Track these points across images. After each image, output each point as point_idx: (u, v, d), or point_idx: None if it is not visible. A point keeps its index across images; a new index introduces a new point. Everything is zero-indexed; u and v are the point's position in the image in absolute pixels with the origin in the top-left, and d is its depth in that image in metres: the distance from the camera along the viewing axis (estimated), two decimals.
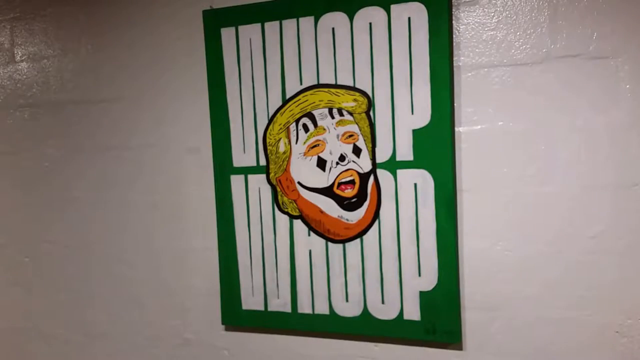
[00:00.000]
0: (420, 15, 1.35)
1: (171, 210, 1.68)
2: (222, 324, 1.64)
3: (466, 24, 1.35)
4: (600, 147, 1.26)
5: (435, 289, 1.39)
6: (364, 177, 1.42)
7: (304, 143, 1.47)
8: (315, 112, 1.45)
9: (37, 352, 1.94)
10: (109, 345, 1.82)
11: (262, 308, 1.58)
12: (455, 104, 1.35)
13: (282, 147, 1.50)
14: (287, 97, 1.49)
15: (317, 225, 1.49)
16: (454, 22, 1.35)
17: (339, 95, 1.43)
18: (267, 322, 1.58)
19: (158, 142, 1.68)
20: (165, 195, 1.69)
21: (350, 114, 1.42)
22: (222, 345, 1.66)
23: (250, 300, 1.59)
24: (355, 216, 1.45)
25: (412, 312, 1.42)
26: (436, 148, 1.35)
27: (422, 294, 1.40)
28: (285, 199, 1.52)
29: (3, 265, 1.96)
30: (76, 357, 1.88)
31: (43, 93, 1.82)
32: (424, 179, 1.37)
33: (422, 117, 1.36)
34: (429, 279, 1.39)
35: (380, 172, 1.41)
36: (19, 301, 1.95)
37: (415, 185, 1.38)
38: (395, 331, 1.44)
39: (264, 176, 1.53)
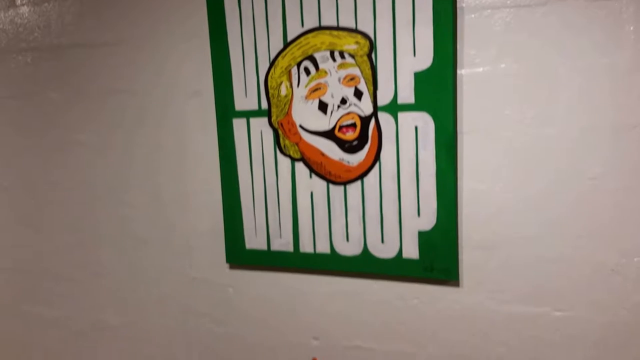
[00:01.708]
0: None
1: (174, 153, 1.71)
2: (227, 262, 1.70)
3: None
4: (602, 90, 1.26)
5: (434, 228, 1.42)
6: (365, 120, 1.43)
7: (306, 86, 1.48)
8: (317, 55, 1.44)
9: (45, 290, 2.02)
10: (115, 284, 1.89)
11: (265, 247, 1.63)
12: (457, 46, 1.35)
13: (283, 91, 1.50)
14: (289, 39, 1.48)
15: (318, 168, 1.52)
16: None
17: (340, 38, 1.42)
18: (270, 260, 1.63)
19: (160, 86, 1.69)
20: (168, 139, 1.71)
21: (352, 56, 1.41)
22: (226, 282, 1.72)
23: (254, 240, 1.64)
24: (356, 159, 1.47)
25: (411, 251, 1.46)
26: (438, 90, 1.35)
27: (420, 233, 1.44)
28: (287, 142, 1.53)
29: (9, 207, 2.00)
30: (83, 295, 1.95)
31: (45, 37, 1.81)
32: (424, 122, 1.38)
33: (424, 59, 1.35)
34: (428, 219, 1.43)
35: (382, 115, 1.42)
36: (26, 241, 2.00)
37: (416, 128, 1.39)
38: (394, 269, 1.49)
39: (265, 119, 1.54)
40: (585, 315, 1.35)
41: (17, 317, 2.09)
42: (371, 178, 1.47)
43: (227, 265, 1.72)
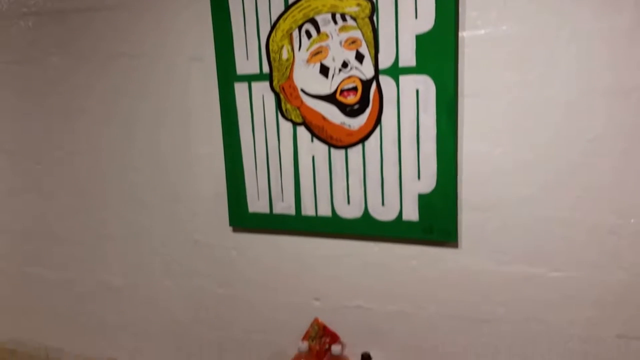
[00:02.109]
0: None
1: (177, 118, 1.72)
2: (230, 225, 1.72)
3: None
4: (601, 53, 1.26)
5: (434, 191, 1.44)
6: (366, 84, 1.44)
7: (307, 50, 1.48)
8: (318, 18, 1.44)
9: (52, 254, 2.06)
10: (120, 247, 1.93)
11: (267, 211, 1.65)
12: (459, 8, 1.34)
13: (285, 54, 1.50)
14: (290, 2, 1.47)
15: (320, 132, 1.53)
16: None
17: (342, 0, 1.41)
18: (272, 224, 1.66)
19: (161, 50, 1.69)
20: (170, 104, 1.72)
21: (354, 19, 1.41)
22: (230, 245, 1.75)
23: (256, 204, 1.66)
24: (357, 122, 1.48)
25: (411, 214, 1.48)
26: (439, 53, 1.35)
27: (420, 196, 1.46)
28: (288, 106, 1.54)
29: (15, 171, 2.03)
30: (90, 258, 1.99)
31: (46, 1, 1.80)
32: (426, 85, 1.38)
33: (426, 21, 1.35)
34: (428, 182, 1.44)
35: (383, 79, 1.42)
36: (32, 205, 2.04)
37: (417, 91, 1.40)
38: (394, 231, 1.51)
39: (267, 83, 1.55)
40: (582, 276, 1.38)
41: (22, 279, 2.14)
42: (372, 142, 1.48)
43: (230, 229, 1.74)
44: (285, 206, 1.63)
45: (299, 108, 1.53)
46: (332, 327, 1.66)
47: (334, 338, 1.67)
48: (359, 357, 1.60)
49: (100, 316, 2.03)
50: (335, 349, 1.62)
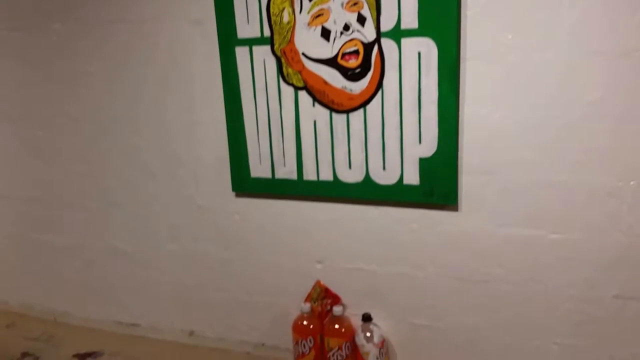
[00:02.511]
0: None
1: (178, 82, 1.72)
2: (233, 191, 1.74)
3: None
4: (603, 14, 1.25)
5: (435, 155, 1.45)
6: (368, 47, 1.43)
7: (308, 12, 1.46)
8: None
9: (58, 220, 2.08)
10: (126, 212, 1.95)
11: (269, 176, 1.66)
12: None
13: (286, 17, 1.49)
14: None
15: (321, 96, 1.53)
16: None
17: None
18: (274, 188, 1.67)
19: (161, 14, 1.67)
20: (171, 69, 1.71)
21: None
22: (233, 210, 1.78)
23: (258, 169, 1.67)
24: (359, 86, 1.48)
25: (412, 177, 1.49)
26: (441, 15, 1.34)
27: (421, 160, 1.47)
28: (290, 70, 1.54)
29: (20, 139, 2.04)
30: (96, 223, 2.02)
31: None
32: (428, 47, 1.38)
33: None
34: (429, 146, 1.45)
35: (385, 42, 1.41)
36: (38, 172, 2.05)
37: (419, 53, 1.39)
38: (395, 195, 1.53)
39: (268, 47, 1.54)
40: (580, 238, 1.39)
41: (30, 245, 2.17)
42: (374, 106, 1.48)
43: (233, 194, 1.76)
44: (287, 171, 1.64)
45: (300, 72, 1.53)
46: (334, 289, 1.70)
47: (336, 299, 1.70)
48: (360, 318, 1.64)
49: (107, 280, 2.07)
50: (337, 310, 1.65)
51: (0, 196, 2.16)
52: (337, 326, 1.66)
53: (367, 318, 1.63)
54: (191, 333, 1.98)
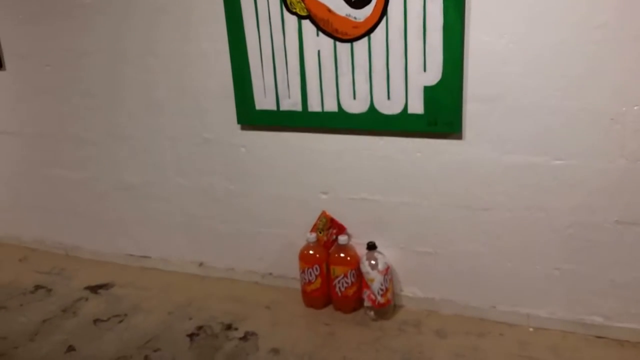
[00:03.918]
0: None
1: (180, 13, 1.69)
2: (238, 123, 1.75)
3: None
4: None
5: (439, 83, 1.44)
6: None
7: None
8: None
9: (68, 155, 2.11)
10: (133, 146, 1.97)
11: (274, 108, 1.67)
12: None
13: None
14: None
15: (325, 25, 1.51)
16: None
17: None
18: (279, 120, 1.68)
19: None
20: (172, 2, 1.69)
21: None
22: (239, 142, 1.79)
23: (263, 101, 1.67)
24: (363, 14, 1.46)
25: (416, 106, 1.49)
26: None
27: (426, 88, 1.46)
28: None
29: (28, 75, 2.04)
30: (105, 157, 2.04)
31: None
32: None
33: None
34: (434, 74, 1.44)
35: None
36: (46, 107, 2.06)
37: None
38: (399, 124, 1.53)
39: None
40: (583, 164, 1.40)
41: (40, 181, 2.21)
42: (378, 34, 1.47)
43: (238, 127, 1.77)
44: (291, 103, 1.64)
45: (303, 0, 1.50)
46: (339, 218, 1.73)
47: (341, 229, 1.74)
48: (365, 246, 1.68)
49: (117, 214, 2.11)
50: (342, 239, 1.69)
51: (10, 132, 2.18)
52: (342, 254, 1.70)
53: (371, 246, 1.67)
54: (200, 264, 2.04)
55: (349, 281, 1.69)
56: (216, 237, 1.96)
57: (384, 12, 1.44)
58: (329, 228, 1.74)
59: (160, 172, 1.95)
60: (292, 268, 1.81)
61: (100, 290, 1.99)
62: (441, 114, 1.47)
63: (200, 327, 1.71)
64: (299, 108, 1.64)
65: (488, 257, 1.59)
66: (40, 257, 2.28)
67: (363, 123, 1.58)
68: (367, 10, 1.45)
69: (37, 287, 2.03)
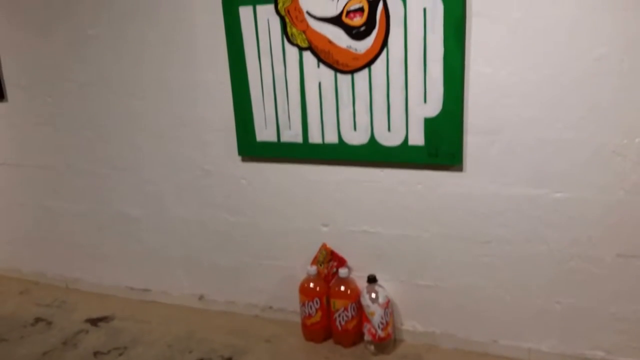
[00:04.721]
0: None
1: (182, 44, 1.71)
2: (239, 155, 1.75)
3: None
4: None
5: (440, 114, 1.44)
6: (372, 4, 1.42)
7: None
8: None
9: (69, 186, 2.11)
10: (134, 178, 1.97)
11: (275, 139, 1.67)
12: None
13: None
14: None
15: (326, 57, 1.52)
16: None
17: None
18: (280, 152, 1.68)
19: None
20: (175, 30, 1.71)
21: None
22: (239, 174, 1.79)
23: (264, 132, 1.68)
24: (363, 45, 1.47)
25: (417, 138, 1.49)
26: None
27: (426, 120, 1.46)
28: (294, 30, 1.53)
29: (29, 106, 2.06)
30: (106, 189, 2.04)
31: None
32: (433, 3, 1.36)
33: None
34: (434, 105, 1.44)
35: None
36: (47, 139, 2.07)
37: (425, 9, 1.38)
38: (400, 156, 1.53)
39: (272, 6, 1.53)
40: (584, 196, 1.39)
41: (42, 213, 2.20)
42: (378, 65, 1.48)
43: (239, 158, 1.77)
44: (292, 134, 1.64)
45: (304, 32, 1.52)
46: (340, 251, 1.71)
47: (341, 262, 1.71)
48: (365, 279, 1.65)
49: (118, 246, 2.10)
50: (343, 272, 1.67)
51: (10, 164, 2.18)
52: (342, 288, 1.67)
53: (372, 279, 1.64)
54: (201, 297, 2.01)
55: (350, 315, 1.66)
56: (216, 269, 1.94)
57: (384, 44, 1.45)
58: (330, 261, 1.71)
59: (160, 204, 1.95)
60: (292, 301, 1.78)
61: (100, 323, 1.97)
62: (442, 145, 1.46)
63: None
64: (299, 139, 1.64)
65: (489, 291, 1.56)
66: (41, 290, 2.26)
67: (364, 154, 1.57)
68: (368, 42, 1.46)
69: (38, 320, 2.01)
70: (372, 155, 1.56)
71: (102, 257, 2.14)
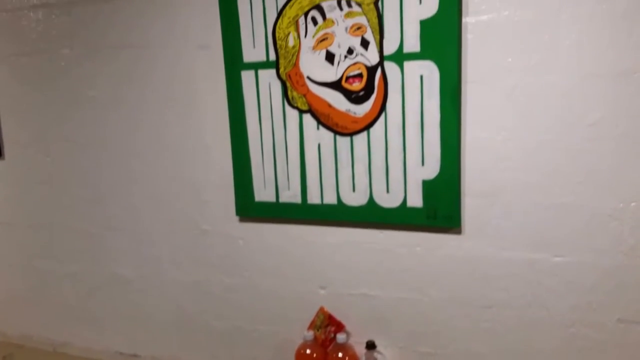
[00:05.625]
0: None
1: (184, 107, 1.74)
2: (237, 215, 1.74)
3: None
4: (602, 36, 1.27)
5: (438, 177, 1.45)
6: (371, 70, 1.46)
7: (313, 36, 1.50)
8: (324, 4, 1.46)
9: (61, 246, 2.08)
10: (129, 238, 1.94)
11: (273, 200, 1.67)
12: None
13: (291, 42, 1.53)
14: None
15: (325, 119, 1.55)
16: None
17: None
18: (278, 212, 1.67)
19: (169, 40, 1.71)
20: (177, 93, 1.74)
21: (359, 5, 1.43)
22: (237, 235, 1.77)
23: (263, 193, 1.68)
24: (362, 109, 1.50)
25: (415, 200, 1.49)
26: (443, 39, 1.37)
27: (424, 182, 1.47)
28: (294, 93, 1.56)
29: (27, 165, 2.06)
30: (98, 248, 2.01)
31: None
32: (430, 71, 1.40)
33: (430, 7, 1.37)
34: (432, 168, 1.46)
35: (388, 65, 1.44)
36: (43, 198, 2.06)
37: (422, 76, 1.41)
38: (399, 218, 1.52)
39: (273, 71, 1.57)
40: (583, 260, 1.38)
41: (31, 272, 2.16)
42: (377, 129, 1.50)
43: (236, 218, 1.76)
44: (291, 195, 1.64)
45: (305, 95, 1.55)
46: (338, 315, 1.67)
47: (339, 327, 1.67)
48: (364, 345, 1.61)
49: (108, 309, 2.05)
50: (341, 337, 1.62)
51: (5, 223, 2.16)
52: (340, 354, 1.63)
53: (371, 346, 1.60)
54: None
55: None
56: (209, 334, 1.89)
57: (382, 108, 1.48)
58: (327, 325, 1.67)
59: (154, 265, 1.92)
60: None
61: None
62: (440, 207, 1.47)
63: None
64: (298, 200, 1.64)
65: (490, 357, 1.52)
66: (27, 354, 2.17)
67: (362, 216, 1.57)
68: (367, 106, 1.49)
69: None
70: (371, 216, 1.56)
71: (92, 320, 2.08)
